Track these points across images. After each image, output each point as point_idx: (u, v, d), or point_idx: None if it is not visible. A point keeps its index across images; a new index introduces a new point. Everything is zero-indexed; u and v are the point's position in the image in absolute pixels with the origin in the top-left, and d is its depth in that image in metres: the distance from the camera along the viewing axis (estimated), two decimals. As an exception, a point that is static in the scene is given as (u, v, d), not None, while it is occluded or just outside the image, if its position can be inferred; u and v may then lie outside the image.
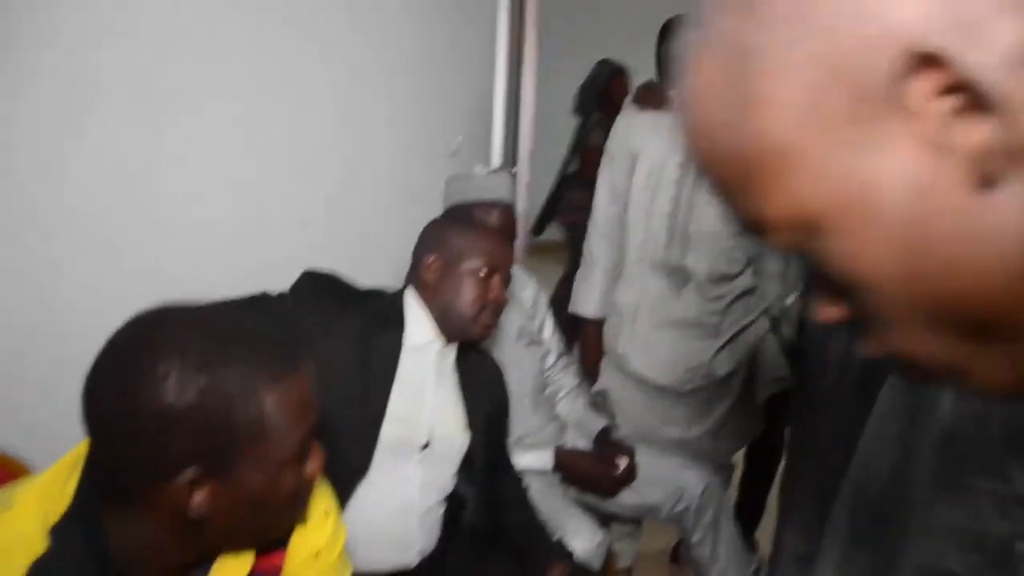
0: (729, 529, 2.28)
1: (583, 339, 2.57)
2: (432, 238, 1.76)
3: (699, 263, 2.34)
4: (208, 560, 0.95)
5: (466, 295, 1.67)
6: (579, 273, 2.56)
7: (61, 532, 0.84)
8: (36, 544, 0.82)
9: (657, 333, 2.39)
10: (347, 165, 2.23)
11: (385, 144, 2.32)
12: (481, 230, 1.75)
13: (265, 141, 2.03)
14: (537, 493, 2.01)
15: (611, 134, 2.45)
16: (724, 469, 2.61)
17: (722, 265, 2.35)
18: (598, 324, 2.51)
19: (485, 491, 1.77)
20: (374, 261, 2.14)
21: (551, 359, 2.35)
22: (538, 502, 1.96)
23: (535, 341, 2.31)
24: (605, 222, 2.47)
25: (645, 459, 2.22)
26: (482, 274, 1.67)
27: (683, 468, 2.26)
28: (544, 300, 2.38)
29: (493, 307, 1.69)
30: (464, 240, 1.71)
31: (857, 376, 1.96)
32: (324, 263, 1.80)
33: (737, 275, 2.38)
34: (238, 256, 1.99)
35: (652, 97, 2.40)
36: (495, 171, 2.15)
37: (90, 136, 1.74)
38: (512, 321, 2.25)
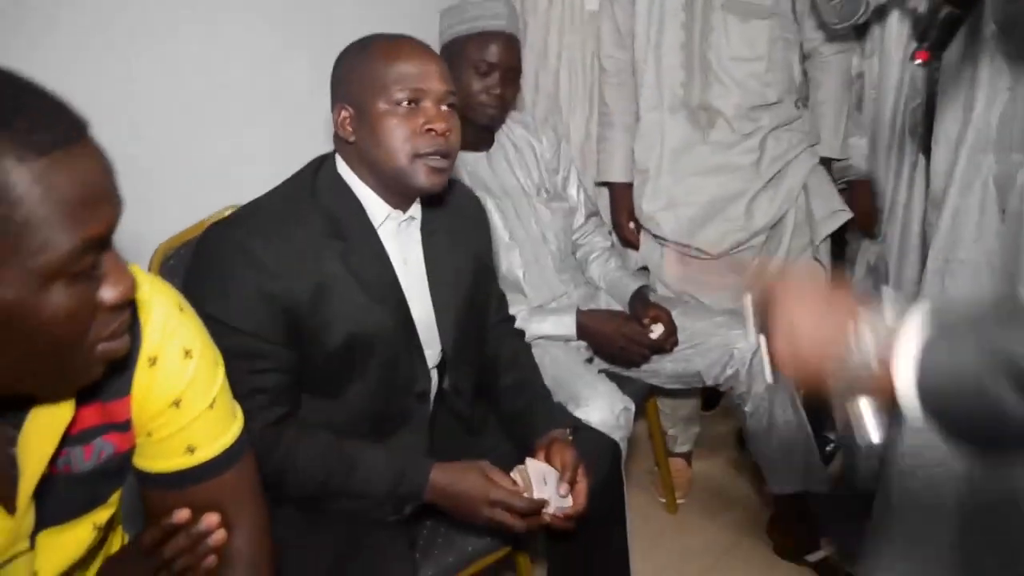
0: (789, 397, 2.00)
1: (614, 208, 2.31)
2: (335, 84, 1.35)
3: (726, 96, 2.04)
4: (1, 416, 0.78)
5: (390, 139, 1.27)
6: (598, 135, 2.29)
7: None
8: None
9: (682, 187, 2.12)
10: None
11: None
12: (381, 50, 1.30)
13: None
14: (553, 361, 1.80)
15: None
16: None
17: (755, 93, 2.04)
18: (628, 188, 2.24)
19: (467, 367, 1.53)
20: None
21: (579, 219, 2.12)
22: (553, 371, 1.75)
23: (558, 197, 2.08)
24: (616, 71, 2.18)
25: (686, 320, 1.98)
26: (403, 106, 1.27)
27: (730, 327, 1.98)
28: (568, 152, 2.13)
29: (433, 142, 1.27)
30: (365, 70, 1.28)
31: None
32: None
33: (775, 103, 2.06)
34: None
35: None
36: None
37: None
38: (530, 173, 2.02)
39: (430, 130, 1.27)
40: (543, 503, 1.32)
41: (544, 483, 1.34)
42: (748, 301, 0.81)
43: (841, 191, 2.20)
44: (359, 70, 1.30)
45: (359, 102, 1.29)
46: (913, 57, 1.25)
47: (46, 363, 0.71)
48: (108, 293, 0.72)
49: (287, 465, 1.25)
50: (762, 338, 0.79)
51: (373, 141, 1.28)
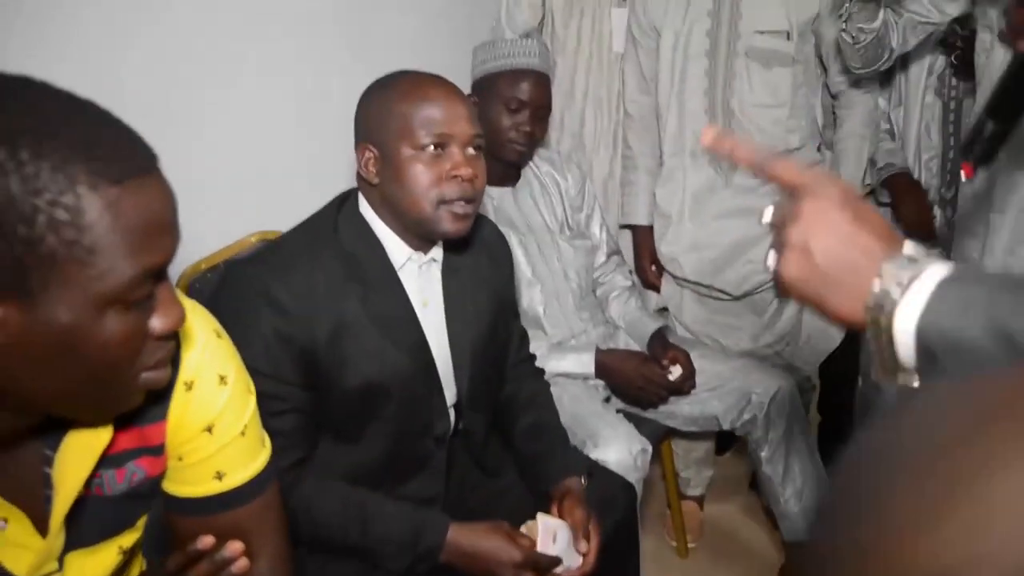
0: (805, 445, 2.00)
1: (637, 251, 2.33)
2: (359, 124, 1.33)
3: (749, 142, 2.05)
4: (39, 435, 0.78)
5: (414, 185, 1.25)
6: (622, 179, 2.31)
7: None
8: None
9: (705, 231, 2.13)
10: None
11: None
12: (406, 90, 1.28)
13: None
14: (572, 399, 1.81)
15: (630, 12, 2.17)
16: (804, 384, 2.33)
17: (777, 139, 2.05)
18: (651, 231, 2.26)
19: (483, 406, 1.51)
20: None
21: (600, 257, 2.13)
22: (572, 409, 1.76)
23: (581, 235, 2.09)
24: (640, 116, 2.21)
25: (705, 363, 1.98)
26: (428, 151, 1.25)
27: (749, 371, 2.00)
28: (591, 190, 2.15)
29: (459, 189, 1.25)
30: (390, 112, 1.26)
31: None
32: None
33: (797, 148, 2.07)
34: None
35: None
36: (526, 35, 1.91)
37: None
38: (554, 210, 2.03)
39: (456, 176, 1.26)
40: (559, 560, 1.31)
41: (553, 541, 1.32)
42: (769, 212, 0.72)
43: (882, 206, 2.15)
44: (383, 111, 1.28)
45: (383, 144, 1.27)
46: (958, 171, 1.23)
47: (91, 388, 0.72)
48: (158, 323, 0.73)
49: (300, 512, 1.23)
50: (772, 254, 0.70)
51: (397, 185, 1.27)
